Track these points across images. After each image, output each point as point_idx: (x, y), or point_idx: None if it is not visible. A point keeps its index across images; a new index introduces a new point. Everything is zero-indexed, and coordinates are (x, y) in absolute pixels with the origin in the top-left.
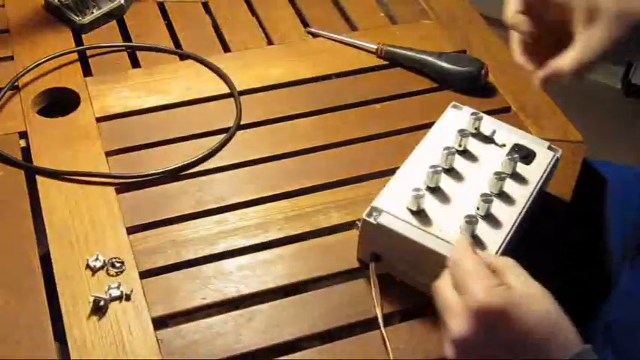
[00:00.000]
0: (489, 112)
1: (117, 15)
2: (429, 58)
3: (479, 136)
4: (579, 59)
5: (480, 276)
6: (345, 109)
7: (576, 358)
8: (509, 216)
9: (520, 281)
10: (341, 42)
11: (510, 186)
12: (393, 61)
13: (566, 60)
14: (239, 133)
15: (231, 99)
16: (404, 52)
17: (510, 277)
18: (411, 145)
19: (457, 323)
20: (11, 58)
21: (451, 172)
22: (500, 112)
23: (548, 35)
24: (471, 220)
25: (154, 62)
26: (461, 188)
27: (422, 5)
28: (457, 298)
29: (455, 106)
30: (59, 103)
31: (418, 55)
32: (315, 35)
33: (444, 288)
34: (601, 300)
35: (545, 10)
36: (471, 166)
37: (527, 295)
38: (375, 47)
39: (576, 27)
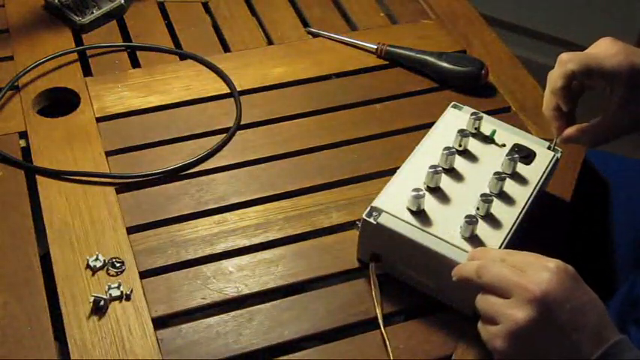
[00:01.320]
0: (489, 112)
1: (117, 15)
2: (429, 58)
3: (479, 136)
4: (603, 135)
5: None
6: (345, 109)
7: (621, 341)
8: (509, 216)
9: None
10: (341, 42)
11: (510, 186)
12: (393, 61)
13: (591, 132)
14: (239, 133)
15: (231, 99)
16: (404, 52)
17: None
18: (411, 145)
19: (540, 280)
20: (11, 58)
21: (451, 172)
22: (500, 112)
23: (579, 96)
24: (471, 220)
25: (154, 62)
26: (461, 188)
27: (422, 5)
28: (519, 273)
29: (455, 106)
30: (59, 103)
31: (418, 55)
32: (315, 35)
33: (499, 265)
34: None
35: (587, 82)
36: (471, 166)
37: None
38: (375, 47)
39: (611, 101)
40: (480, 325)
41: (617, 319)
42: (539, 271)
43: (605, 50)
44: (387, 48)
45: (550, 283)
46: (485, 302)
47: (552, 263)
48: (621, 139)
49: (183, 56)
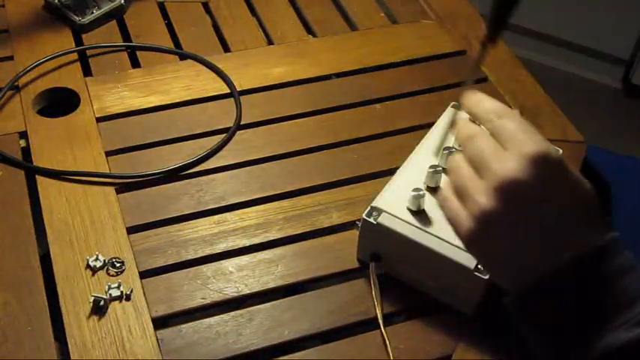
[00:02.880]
0: None
1: (117, 15)
2: None
3: None
4: None
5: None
6: (345, 109)
7: (613, 239)
8: None
9: None
10: None
11: None
12: None
13: None
14: (239, 133)
15: (231, 99)
16: None
17: None
18: (411, 145)
19: (511, 167)
20: (11, 58)
21: None
22: None
23: None
24: None
25: (154, 62)
26: None
27: (422, 5)
28: (501, 148)
29: (455, 106)
30: (59, 103)
31: None
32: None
33: (484, 139)
34: None
35: None
36: None
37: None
38: None
39: None
40: (441, 197)
41: None
42: (515, 156)
43: None
44: None
45: (520, 173)
46: (457, 170)
47: (532, 147)
48: (621, 138)
49: (183, 56)
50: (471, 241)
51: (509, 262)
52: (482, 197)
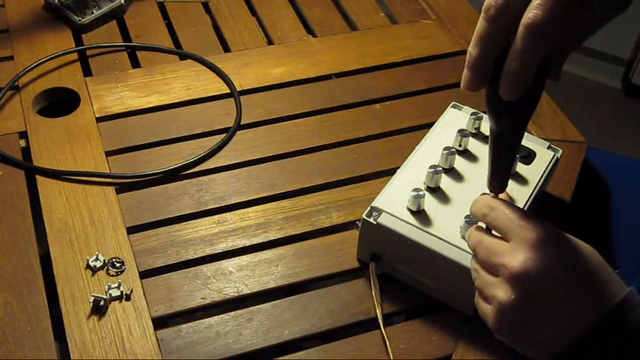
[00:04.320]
0: None
1: (117, 15)
2: None
3: (479, 136)
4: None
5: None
6: (345, 109)
7: (620, 304)
8: None
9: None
10: None
11: (510, 186)
12: None
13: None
14: (239, 133)
15: (231, 99)
16: None
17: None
18: (411, 145)
19: (518, 257)
20: (11, 58)
21: (451, 172)
22: None
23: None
24: (470, 220)
25: (154, 62)
26: (461, 188)
27: (422, 5)
28: (504, 242)
29: (455, 106)
30: (59, 103)
31: None
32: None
33: (481, 237)
34: None
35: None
36: (471, 166)
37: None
38: None
39: None
40: (475, 299)
41: None
42: (519, 247)
43: None
44: None
45: (528, 260)
46: (477, 277)
47: (533, 232)
48: (621, 138)
49: (183, 56)
50: (497, 332)
51: (535, 340)
52: (499, 292)
